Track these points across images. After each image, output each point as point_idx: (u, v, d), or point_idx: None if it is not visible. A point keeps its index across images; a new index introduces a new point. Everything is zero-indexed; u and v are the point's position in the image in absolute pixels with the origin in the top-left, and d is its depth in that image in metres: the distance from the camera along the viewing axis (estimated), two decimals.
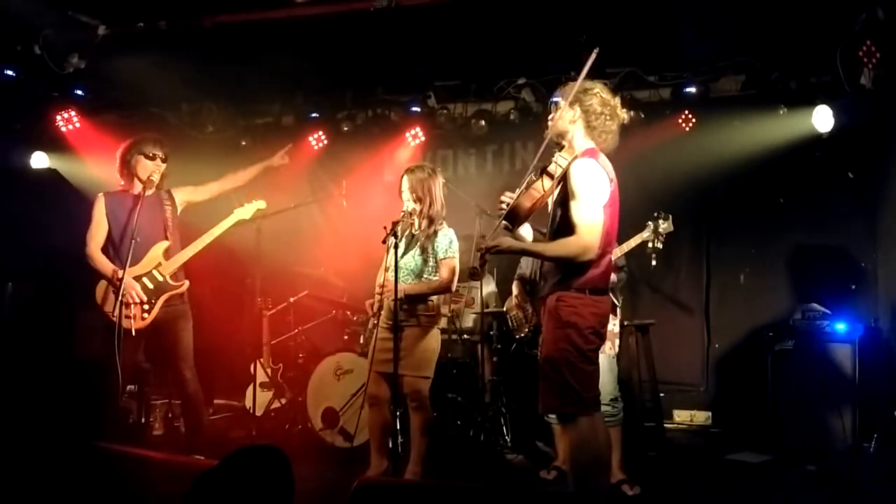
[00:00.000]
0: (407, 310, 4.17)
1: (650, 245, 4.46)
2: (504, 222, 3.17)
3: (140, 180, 4.41)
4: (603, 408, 4.24)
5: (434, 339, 4.26)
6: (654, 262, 4.54)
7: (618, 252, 4.37)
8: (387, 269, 4.13)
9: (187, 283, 4.43)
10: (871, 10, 4.76)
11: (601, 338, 3.19)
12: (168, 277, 4.38)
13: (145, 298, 4.30)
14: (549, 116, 3.33)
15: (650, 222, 4.47)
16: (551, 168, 3.15)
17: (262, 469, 1.79)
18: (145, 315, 4.28)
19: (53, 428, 5.37)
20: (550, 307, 3.18)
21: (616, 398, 4.38)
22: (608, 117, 3.22)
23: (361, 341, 5.63)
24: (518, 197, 3.19)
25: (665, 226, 4.43)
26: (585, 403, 3.12)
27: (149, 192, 4.43)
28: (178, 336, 4.42)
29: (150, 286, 4.33)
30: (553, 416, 4.54)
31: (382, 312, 4.28)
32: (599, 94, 3.23)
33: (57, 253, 7.04)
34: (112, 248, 4.39)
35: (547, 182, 3.14)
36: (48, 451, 2.70)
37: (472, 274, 3.24)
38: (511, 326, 4.98)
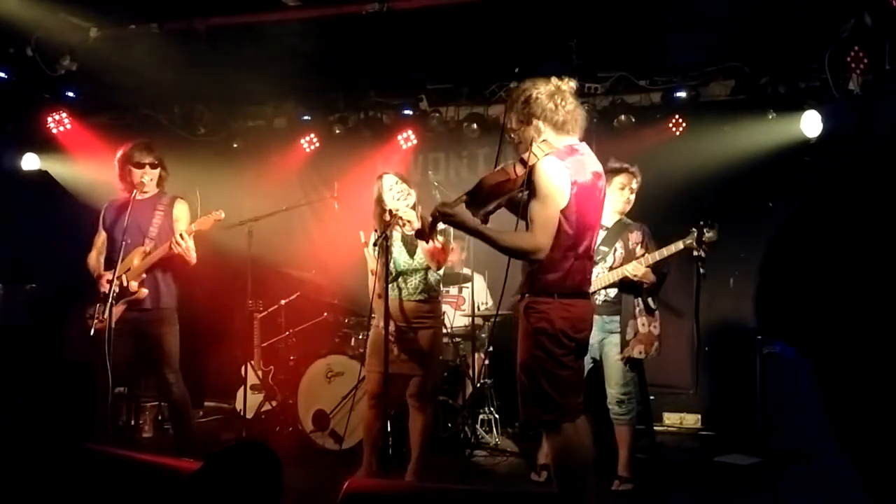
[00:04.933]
0: (417, 311, 4.22)
1: (695, 254, 4.29)
2: (465, 196, 3.05)
3: (133, 186, 4.42)
4: (610, 406, 4.30)
5: (440, 339, 4.32)
6: (702, 271, 4.36)
7: (657, 256, 4.35)
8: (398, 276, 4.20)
9: (145, 291, 4.33)
10: (858, 16, 4.80)
11: (576, 342, 3.07)
12: (130, 284, 4.30)
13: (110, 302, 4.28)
14: (516, 142, 3.21)
15: (694, 229, 4.27)
16: (526, 156, 3.05)
17: (250, 465, 1.79)
18: (103, 317, 4.23)
19: (44, 430, 5.36)
20: (520, 314, 3.11)
21: (621, 401, 4.40)
22: (563, 102, 3.10)
23: (352, 343, 5.64)
24: (485, 175, 3.10)
25: (710, 235, 4.23)
26: (564, 410, 3.03)
27: (143, 196, 4.45)
28: (161, 340, 4.39)
29: (117, 290, 4.28)
30: None
31: (398, 314, 4.27)
32: (537, 91, 3.11)
33: (47, 255, 7.04)
34: (111, 252, 4.42)
35: (519, 168, 3.03)
36: (38, 453, 2.70)
37: (418, 233, 3.11)
38: None
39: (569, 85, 3.17)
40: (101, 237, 4.53)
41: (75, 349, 6.35)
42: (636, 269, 4.32)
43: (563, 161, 3.03)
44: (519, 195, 3.10)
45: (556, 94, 3.11)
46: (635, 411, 4.46)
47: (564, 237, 3.01)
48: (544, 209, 2.97)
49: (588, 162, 3.14)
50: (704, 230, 4.23)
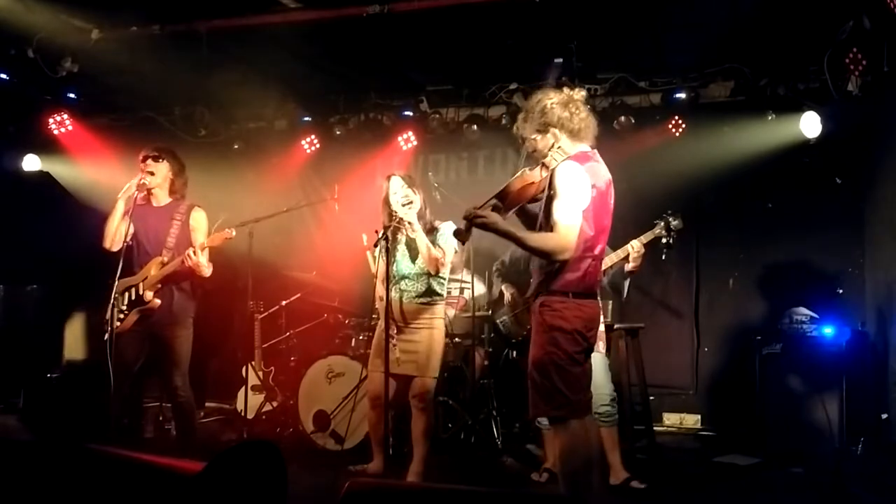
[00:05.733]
0: (418, 313, 4.23)
1: (663, 241, 4.54)
2: (494, 200, 3.15)
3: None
4: (602, 408, 4.29)
5: (441, 340, 4.33)
6: (663, 257, 4.64)
7: (630, 249, 4.46)
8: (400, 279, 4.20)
9: (158, 301, 4.32)
10: (857, 19, 4.82)
11: (587, 340, 3.18)
12: (146, 293, 4.31)
13: (124, 308, 4.30)
14: (532, 150, 3.31)
15: (660, 220, 4.53)
16: (547, 160, 3.18)
17: (256, 464, 1.81)
18: (117, 323, 4.25)
19: (44, 430, 5.38)
20: (535, 311, 3.20)
21: (614, 398, 4.43)
22: (577, 110, 3.24)
23: (353, 344, 5.66)
24: (512, 179, 3.20)
25: (676, 223, 4.51)
26: (574, 407, 3.12)
27: (160, 203, 4.46)
28: (173, 342, 4.38)
29: (133, 298, 4.32)
30: (544, 420, 4.58)
31: (398, 315, 4.27)
32: (552, 101, 3.24)
33: (49, 256, 7.06)
34: (131, 256, 4.40)
35: (542, 172, 3.16)
36: (39, 454, 2.71)
37: (456, 232, 3.22)
38: (505, 332, 4.99)
39: (580, 94, 3.31)
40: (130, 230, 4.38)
41: (76, 350, 6.39)
42: (639, 249, 4.46)
43: (583, 166, 3.15)
44: (529, 205, 3.25)
45: (569, 104, 3.25)
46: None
47: (584, 238, 3.11)
48: (568, 210, 3.07)
49: (601, 169, 3.26)
50: (670, 219, 4.50)
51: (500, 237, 3.17)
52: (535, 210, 3.31)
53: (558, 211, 3.07)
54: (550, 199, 3.12)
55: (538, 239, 3.13)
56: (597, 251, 3.20)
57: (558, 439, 3.19)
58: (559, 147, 3.20)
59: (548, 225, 3.13)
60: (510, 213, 3.26)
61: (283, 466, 1.88)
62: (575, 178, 3.09)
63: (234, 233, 4.37)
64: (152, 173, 4.39)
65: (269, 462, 1.85)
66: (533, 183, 3.16)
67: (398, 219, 4.17)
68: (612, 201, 3.31)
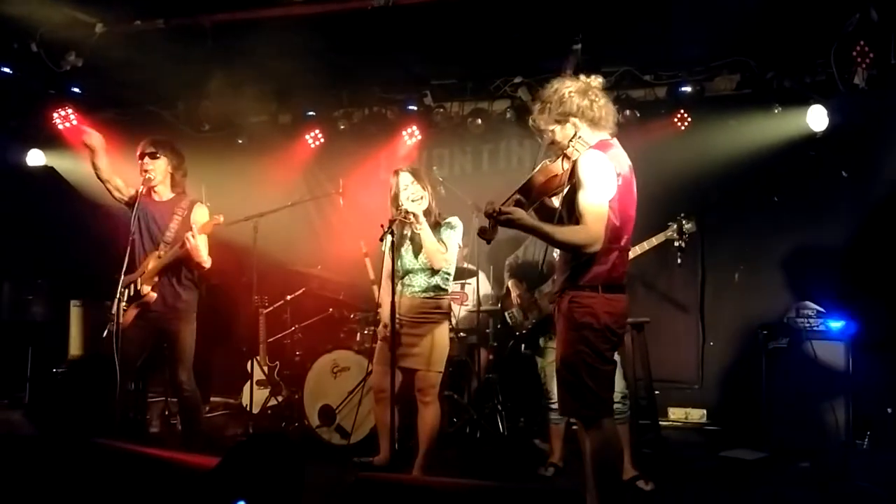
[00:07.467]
0: (423, 307, 4.24)
1: (675, 244, 4.54)
2: (517, 195, 3.05)
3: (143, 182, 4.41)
4: (614, 405, 4.28)
5: (445, 335, 4.32)
6: (679, 262, 4.65)
7: (638, 250, 4.46)
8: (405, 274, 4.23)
9: (154, 295, 4.32)
10: (864, 11, 4.80)
11: (618, 337, 3.10)
12: (143, 287, 4.31)
13: (125, 304, 4.31)
14: (550, 142, 3.20)
15: (673, 223, 4.54)
16: (569, 151, 3.06)
17: (272, 456, 1.81)
18: (118, 317, 4.26)
19: (51, 425, 5.39)
20: (564, 309, 3.09)
21: (625, 395, 4.43)
22: (596, 98, 3.13)
23: (358, 338, 5.66)
24: (534, 172, 3.09)
25: (689, 226, 4.52)
26: (605, 405, 3.06)
27: (161, 198, 4.45)
28: (177, 337, 4.39)
29: (132, 293, 4.33)
30: (555, 415, 4.58)
31: (402, 309, 4.27)
32: (569, 89, 3.12)
33: (53, 250, 7.07)
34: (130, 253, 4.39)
35: (565, 163, 3.05)
36: (46, 448, 2.71)
37: (480, 231, 3.14)
38: (510, 323, 4.99)
39: (598, 81, 3.19)
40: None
41: (81, 345, 6.39)
42: (633, 254, 4.43)
43: (606, 154, 3.05)
44: (547, 198, 3.18)
45: (588, 91, 3.13)
46: None
47: (611, 228, 3.01)
48: (595, 201, 2.97)
49: (623, 156, 3.16)
50: (684, 222, 4.53)
51: (526, 233, 3.09)
52: (552, 204, 3.23)
53: (585, 202, 2.97)
54: (574, 191, 3.02)
55: (566, 232, 3.02)
56: (623, 242, 3.11)
57: (589, 438, 3.07)
58: (580, 137, 3.08)
59: (570, 218, 3.05)
60: (532, 207, 3.16)
61: (299, 457, 1.88)
62: (599, 168, 2.99)
63: (221, 219, 4.32)
64: (147, 171, 4.39)
65: (285, 453, 1.85)
66: (556, 175, 3.05)
67: (404, 212, 4.16)
68: (636, 188, 3.20)
